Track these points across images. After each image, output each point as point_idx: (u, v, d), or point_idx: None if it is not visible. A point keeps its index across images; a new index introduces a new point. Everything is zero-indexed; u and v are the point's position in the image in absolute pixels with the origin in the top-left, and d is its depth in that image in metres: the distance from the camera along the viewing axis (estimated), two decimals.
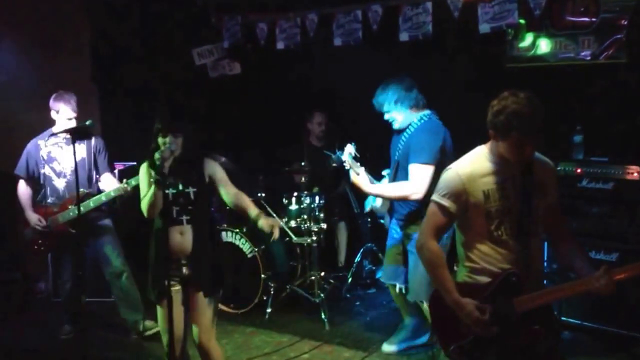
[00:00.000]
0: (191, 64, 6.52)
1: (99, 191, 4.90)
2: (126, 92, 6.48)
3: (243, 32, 6.19)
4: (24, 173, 4.93)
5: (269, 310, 5.39)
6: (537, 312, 2.82)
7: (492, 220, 2.85)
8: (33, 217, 4.85)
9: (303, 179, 5.73)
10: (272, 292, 5.45)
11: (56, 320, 5.26)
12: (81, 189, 4.54)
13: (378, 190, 4.34)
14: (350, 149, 4.28)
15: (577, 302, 4.63)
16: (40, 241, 4.86)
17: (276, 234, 3.67)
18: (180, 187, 3.57)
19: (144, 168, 3.67)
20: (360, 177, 4.24)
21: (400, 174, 4.28)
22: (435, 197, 2.94)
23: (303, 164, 5.77)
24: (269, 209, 5.70)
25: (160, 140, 3.50)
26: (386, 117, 4.33)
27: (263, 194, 5.83)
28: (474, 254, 2.94)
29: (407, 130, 4.29)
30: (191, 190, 3.58)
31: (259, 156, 6.53)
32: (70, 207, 4.80)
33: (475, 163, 2.90)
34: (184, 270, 3.58)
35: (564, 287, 2.83)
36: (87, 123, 4.54)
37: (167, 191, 3.50)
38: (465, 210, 2.89)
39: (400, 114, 4.28)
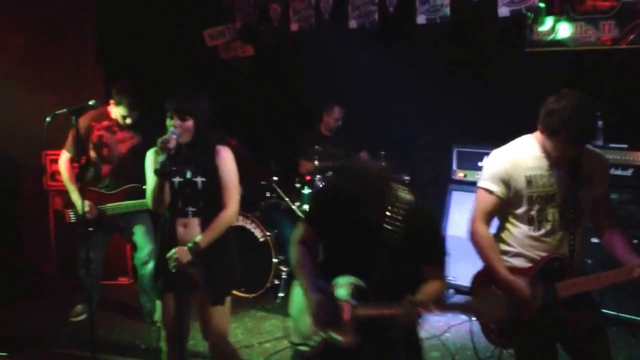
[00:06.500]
0: (202, 45, 6.41)
1: None
2: (132, 75, 6.36)
3: (256, 13, 6.10)
4: (72, 151, 4.72)
5: (280, 294, 5.33)
6: (578, 299, 2.81)
7: (533, 206, 2.87)
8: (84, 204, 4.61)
9: (317, 162, 5.62)
10: (283, 277, 5.38)
11: (64, 302, 5.18)
12: (133, 184, 4.64)
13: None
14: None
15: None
16: (85, 225, 4.57)
17: None
18: (188, 175, 3.28)
19: (150, 154, 3.38)
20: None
21: None
22: (480, 182, 2.97)
23: (316, 147, 5.66)
24: (281, 193, 5.63)
25: (167, 122, 3.24)
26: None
27: (276, 178, 5.75)
28: (511, 238, 2.96)
29: None
30: (199, 179, 3.28)
31: (271, 140, 6.42)
32: (124, 201, 4.72)
33: (520, 150, 2.91)
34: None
35: (607, 274, 2.80)
36: (91, 103, 4.44)
37: (172, 179, 3.24)
38: (509, 193, 2.90)
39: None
